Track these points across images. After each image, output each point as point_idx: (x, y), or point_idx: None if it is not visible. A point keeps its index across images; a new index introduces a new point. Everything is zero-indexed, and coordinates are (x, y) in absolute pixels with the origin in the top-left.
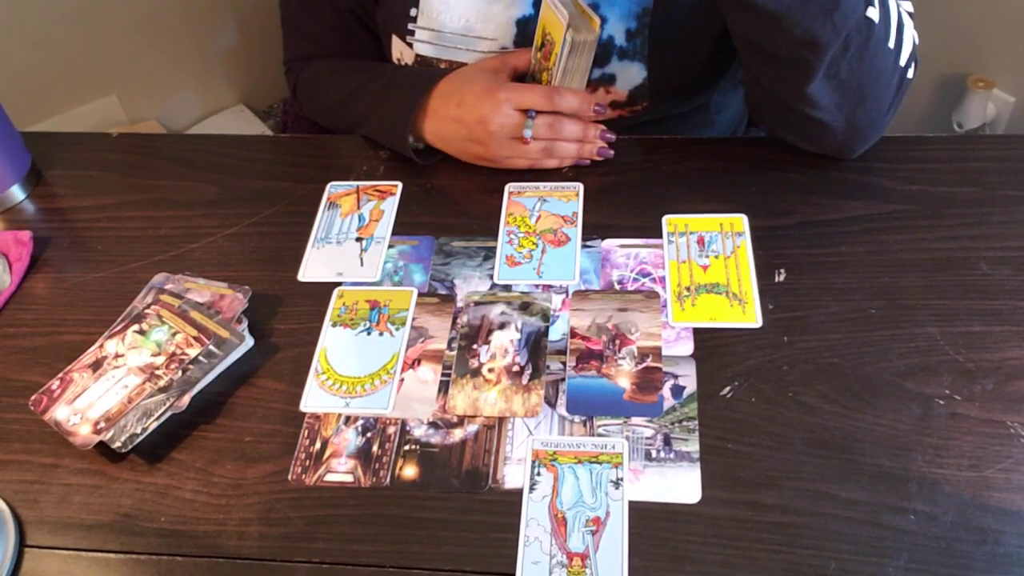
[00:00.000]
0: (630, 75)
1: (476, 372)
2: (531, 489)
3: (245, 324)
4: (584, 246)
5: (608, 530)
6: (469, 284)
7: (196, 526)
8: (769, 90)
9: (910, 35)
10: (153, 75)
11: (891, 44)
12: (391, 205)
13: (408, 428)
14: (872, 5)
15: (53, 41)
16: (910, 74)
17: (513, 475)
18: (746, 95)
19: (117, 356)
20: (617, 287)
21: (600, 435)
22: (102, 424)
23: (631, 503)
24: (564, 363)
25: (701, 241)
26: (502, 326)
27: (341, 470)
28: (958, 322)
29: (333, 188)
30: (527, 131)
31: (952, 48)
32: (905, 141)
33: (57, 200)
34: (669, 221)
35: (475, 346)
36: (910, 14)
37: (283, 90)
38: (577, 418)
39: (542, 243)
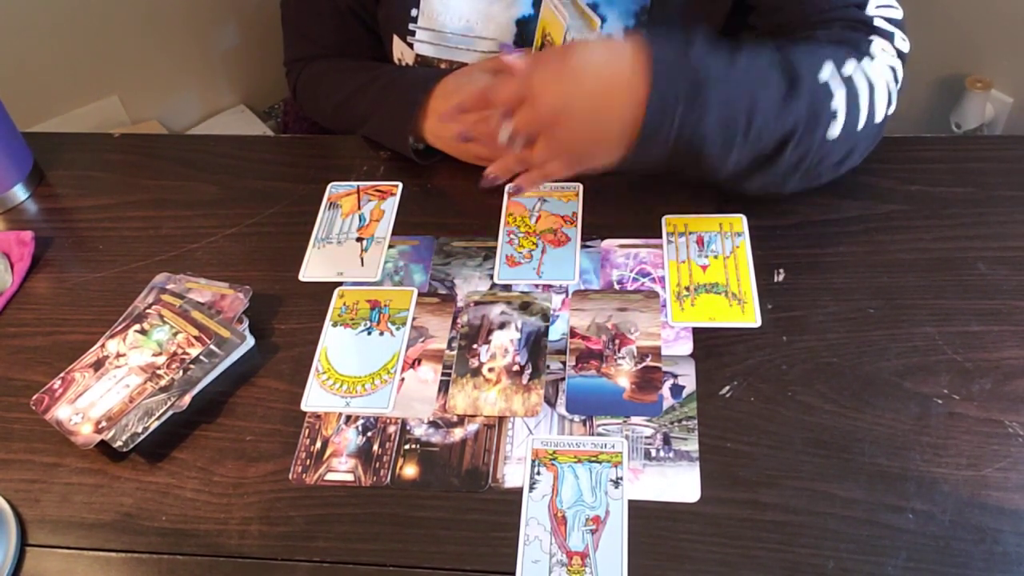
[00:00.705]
0: None
1: (476, 372)
2: (531, 488)
3: (246, 324)
4: (584, 246)
5: (608, 529)
6: (469, 284)
7: (197, 525)
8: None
9: (885, 84)
10: (154, 76)
11: (861, 124)
12: (391, 205)
13: (408, 427)
14: (833, 119)
15: (55, 42)
16: (890, 112)
17: (513, 474)
18: None
19: (118, 356)
20: (617, 287)
21: (600, 434)
22: (103, 423)
23: (631, 502)
24: (564, 363)
25: (700, 241)
26: (502, 326)
27: (342, 469)
28: (956, 322)
29: (334, 188)
30: None
31: (950, 49)
32: (903, 142)
33: (59, 200)
34: (668, 221)
35: (475, 346)
36: (895, 20)
37: (284, 90)
38: (577, 417)
39: (542, 243)
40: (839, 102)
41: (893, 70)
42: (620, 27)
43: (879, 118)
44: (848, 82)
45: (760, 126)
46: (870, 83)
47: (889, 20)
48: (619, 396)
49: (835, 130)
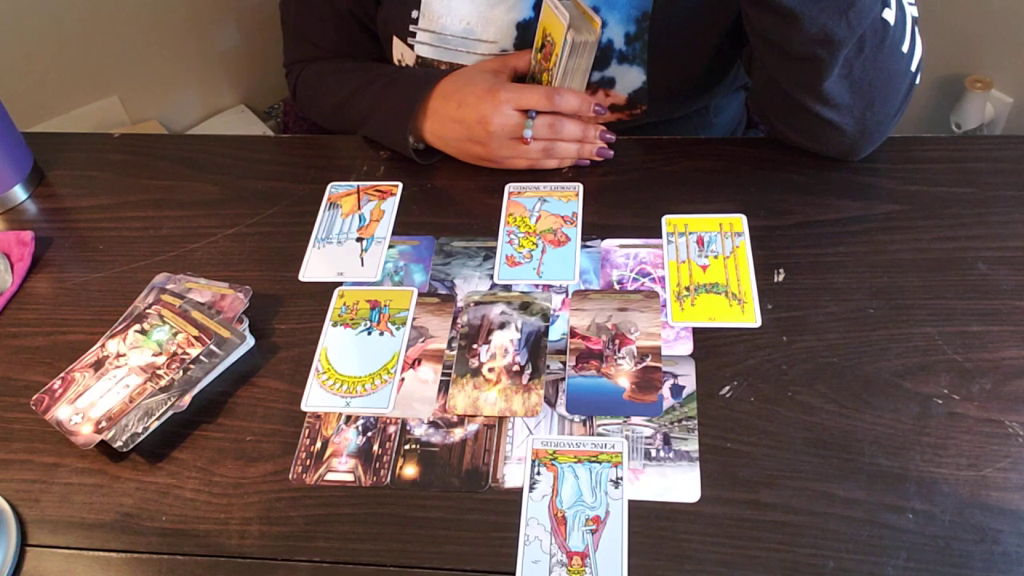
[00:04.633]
0: (629, 79)
1: (476, 372)
2: (531, 488)
3: (246, 324)
4: (584, 246)
5: (608, 529)
6: (469, 284)
7: (197, 525)
8: (783, 88)
9: (919, 39)
10: (154, 76)
11: (905, 48)
12: (391, 205)
13: (408, 427)
14: (888, 7)
15: (55, 42)
16: (917, 80)
17: (513, 474)
18: (755, 94)
19: (118, 356)
20: (617, 287)
21: (600, 434)
22: (103, 423)
23: (631, 502)
24: (564, 363)
25: (700, 241)
26: (502, 326)
27: (342, 469)
28: (956, 322)
29: (334, 188)
30: (527, 131)
31: (950, 49)
32: (903, 141)
33: (59, 200)
34: (668, 221)
35: (475, 346)
36: (915, 19)
37: (284, 90)
38: (577, 417)
39: (542, 243)
40: (889, 15)
41: (920, 42)
42: (621, 32)
43: (914, 61)
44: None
45: None
46: (914, 19)
47: (913, 17)
48: (619, 396)
49: (890, 14)
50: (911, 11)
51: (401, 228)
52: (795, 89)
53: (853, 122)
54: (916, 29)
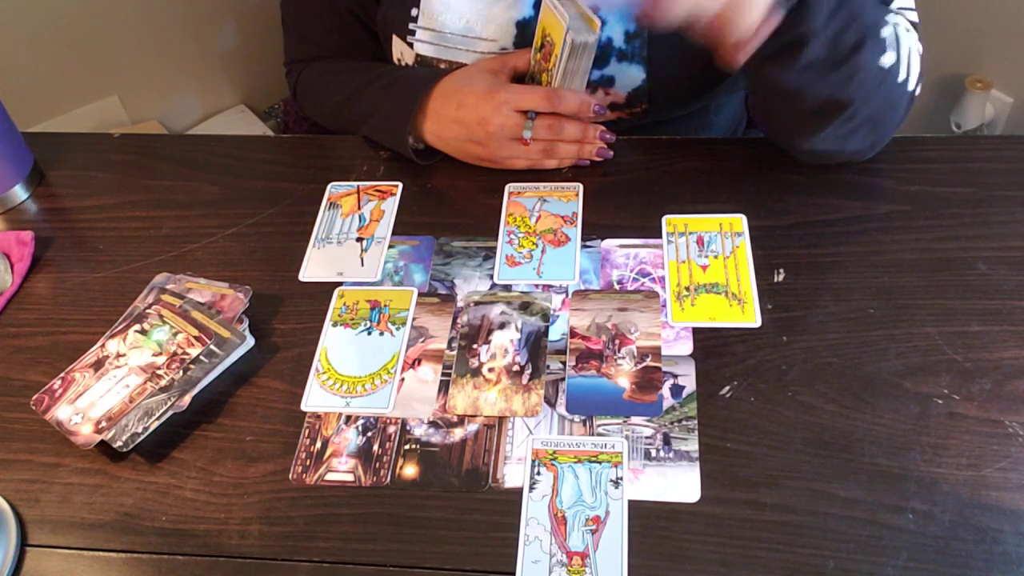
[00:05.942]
0: (629, 77)
1: (476, 372)
2: (531, 488)
3: (246, 324)
4: (584, 246)
5: (608, 529)
6: (469, 284)
7: (197, 525)
8: (781, 135)
9: (917, 54)
10: (155, 76)
11: (902, 77)
12: (391, 205)
13: (408, 427)
14: (885, 52)
15: (55, 42)
16: (917, 92)
17: (513, 474)
18: (756, 106)
19: (118, 356)
20: (617, 287)
21: (600, 434)
22: (103, 423)
23: (631, 502)
24: (564, 363)
25: (700, 241)
26: (502, 326)
27: (342, 469)
28: (956, 322)
29: (334, 188)
30: (527, 132)
31: (951, 49)
32: (904, 142)
33: (59, 200)
34: (668, 221)
35: (475, 346)
36: (915, 24)
37: (284, 90)
38: (577, 417)
39: (542, 243)
40: (889, 37)
41: (920, 56)
42: (620, 30)
43: (911, 82)
44: (895, 28)
45: (857, 9)
46: (909, 40)
47: (910, 22)
48: (619, 396)
49: (890, 56)
50: (907, 16)
51: (401, 228)
52: (794, 138)
53: (856, 142)
54: (913, 46)
